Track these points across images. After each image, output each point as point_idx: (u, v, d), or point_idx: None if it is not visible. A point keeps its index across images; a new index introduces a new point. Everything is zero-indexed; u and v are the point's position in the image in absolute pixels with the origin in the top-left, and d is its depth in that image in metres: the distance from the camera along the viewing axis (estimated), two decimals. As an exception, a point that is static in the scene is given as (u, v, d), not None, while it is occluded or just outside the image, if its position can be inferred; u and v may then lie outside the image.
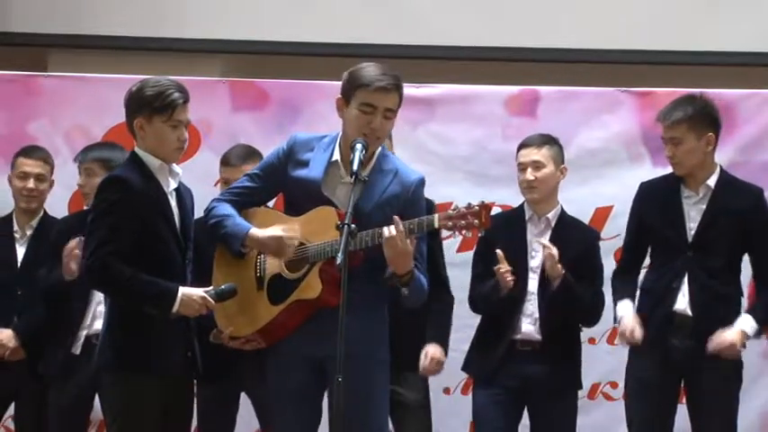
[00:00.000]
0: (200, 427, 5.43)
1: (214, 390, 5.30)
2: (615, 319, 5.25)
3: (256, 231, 4.56)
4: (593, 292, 5.23)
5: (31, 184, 5.75)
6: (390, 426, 5.09)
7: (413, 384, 5.26)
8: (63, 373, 5.48)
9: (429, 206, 4.92)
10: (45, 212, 5.85)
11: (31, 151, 5.83)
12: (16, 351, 5.61)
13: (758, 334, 5.21)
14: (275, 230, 4.53)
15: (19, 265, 5.74)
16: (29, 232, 5.79)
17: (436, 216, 4.40)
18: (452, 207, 4.40)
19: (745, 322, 5.12)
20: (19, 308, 5.67)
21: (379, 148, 4.59)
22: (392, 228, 4.34)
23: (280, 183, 4.67)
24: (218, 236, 4.65)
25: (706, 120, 5.20)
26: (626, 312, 5.18)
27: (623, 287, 5.28)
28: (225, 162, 5.50)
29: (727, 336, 5.05)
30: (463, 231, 4.37)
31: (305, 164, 4.59)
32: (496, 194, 5.29)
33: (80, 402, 5.53)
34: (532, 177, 5.23)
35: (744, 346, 5.12)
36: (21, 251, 5.76)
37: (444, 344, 5.27)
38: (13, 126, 6.26)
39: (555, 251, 5.08)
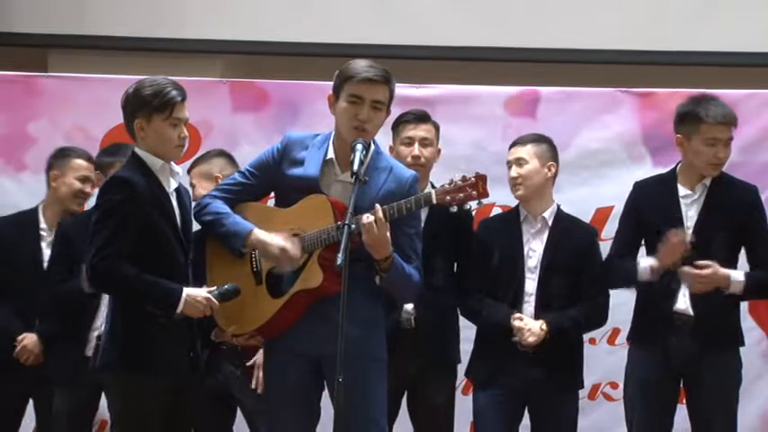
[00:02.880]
0: (195, 427, 5.43)
1: (210, 389, 5.31)
2: (642, 273, 5.11)
3: (260, 234, 4.56)
4: (586, 309, 5.20)
5: (88, 188, 5.71)
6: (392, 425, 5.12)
7: (441, 384, 5.28)
8: (75, 375, 5.47)
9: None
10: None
11: (85, 154, 5.78)
12: (38, 356, 5.61)
13: (739, 296, 5.14)
14: (279, 240, 4.53)
15: (46, 265, 5.68)
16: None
17: (433, 192, 4.41)
18: (449, 181, 4.41)
19: (737, 273, 5.09)
20: (41, 310, 5.64)
21: (373, 147, 4.60)
22: (375, 213, 4.35)
23: (273, 182, 4.68)
24: (217, 233, 4.65)
25: None
26: (648, 259, 5.12)
27: (626, 260, 5.22)
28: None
29: (718, 270, 5.01)
30: (462, 204, 4.37)
31: (300, 162, 4.60)
32: (496, 195, 5.27)
33: (89, 403, 5.53)
34: (516, 174, 5.24)
35: (719, 289, 5.05)
36: (47, 251, 5.70)
37: None
38: (13, 126, 6.26)
39: (530, 336, 5.07)
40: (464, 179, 4.37)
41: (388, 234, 4.37)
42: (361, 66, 4.52)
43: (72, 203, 5.74)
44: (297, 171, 4.59)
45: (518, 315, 5.12)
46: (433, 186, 4.96)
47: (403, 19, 7.85)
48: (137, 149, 4.56)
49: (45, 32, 7.93)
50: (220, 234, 4.64)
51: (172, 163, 4.58)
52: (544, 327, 5.08)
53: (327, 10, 7.90)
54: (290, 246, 4.50)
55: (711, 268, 5.02)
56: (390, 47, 7.55)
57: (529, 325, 5.08)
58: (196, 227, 4.75)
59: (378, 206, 4.37)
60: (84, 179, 5.73)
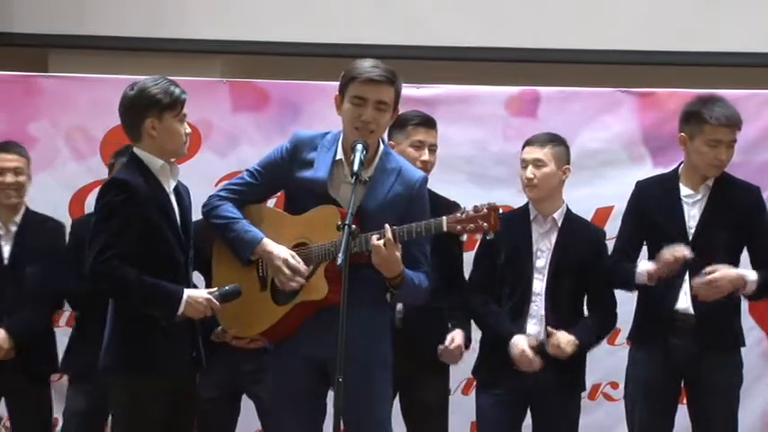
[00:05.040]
0: (199, 427, 5.42)
1: (214, 389, 5.30)
2: (639, 278, 5.13)
3: (268, 245, 4.55)
4: (601, 318, 5.22)
5: (9, 178, 5.64)
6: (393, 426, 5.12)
7: (433, 386, 5.28)
8: (91, 373, 5.45)
9: (441, 202, 5.01)
10: (27, 208, 5.73)
11: (7, 146, 5.74)
12: (8, 352, 5.57)
13: (750, 296, 5.14)
14: (286, 253, 4.53)
15: (6, 262, 5.65)
16: (13, 229, 5.66)
17: (444, 219, 4.39)
18: (461, 210, 4.41)
19: (750, 272, 5.09)
20: (8, 307, 5.60)
21: (382, 147, 4.60)
22: (385, 234, 4.34)
23: (282, 181, 4.67)
24: (226, 239, 4.65)
25: None
26: (646, 263, 5.13)
27: (625, 263, 5.23)
28: None
29: (728, 270, 5.01)
30: (472, 234, 4.39)
31: (309, 164, 4.59)
32: (497, 195, 5.29)
33: (102, 402, 5.51)
34: (532, 175, 5.22)
35: (735, 290, 5.05)
36: (6, 249, 5.65)
37: (467, 332, 5.30)
38: (13, 127, 6.23)
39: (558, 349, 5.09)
40: (476, 210, 4.36)
41: (398, 254, 4.37)
42: (365, 66, 4.50)
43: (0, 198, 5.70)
44: (306, 173, 4.58)
45: (532, 335, 5.12)
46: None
47: (403, 19, 7.86)
48: (136, 150, 4.55)
49: (45, 32, 7.94)
50: (229, 239, 4.63)
51: (173, 161, 4.58)
52: (577, 342, 5.08)
53: (327, 10, 7.91)
54: (292, 260, 4.49)
55: (719, 272, 5.00)
56: (390, 47, 7.55)
57: (562, 340, 5.06)
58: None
59: (387, 227, 4.36)
60: (0, 171, 5.66)
